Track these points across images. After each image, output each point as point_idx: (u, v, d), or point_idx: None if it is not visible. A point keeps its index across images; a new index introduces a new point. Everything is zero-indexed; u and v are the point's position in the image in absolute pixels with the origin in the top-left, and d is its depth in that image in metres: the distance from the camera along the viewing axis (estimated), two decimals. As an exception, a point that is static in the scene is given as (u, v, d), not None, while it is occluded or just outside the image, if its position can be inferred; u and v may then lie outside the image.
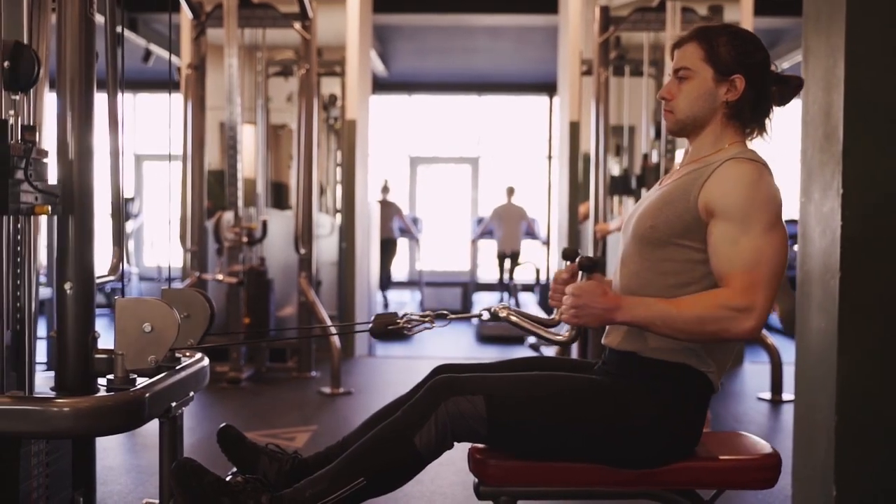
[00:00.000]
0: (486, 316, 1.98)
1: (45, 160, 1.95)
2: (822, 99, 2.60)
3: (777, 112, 2.00)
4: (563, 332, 1.98)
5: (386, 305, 10.84)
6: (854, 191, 2.47)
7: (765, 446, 2.00)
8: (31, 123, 1.99)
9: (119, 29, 2.22)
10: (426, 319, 2.00)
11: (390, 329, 1.98)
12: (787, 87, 1.97)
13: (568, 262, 2.03)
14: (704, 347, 1.89)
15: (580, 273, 1.90)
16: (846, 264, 2.47)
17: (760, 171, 1.87)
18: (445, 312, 2.01)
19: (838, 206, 2.48)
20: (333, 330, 5.64)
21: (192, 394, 2.09)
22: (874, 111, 2.48)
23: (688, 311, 1.79)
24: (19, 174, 1.81)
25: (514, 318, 1.96)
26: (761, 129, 1.98)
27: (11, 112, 1.88)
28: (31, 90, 1.97)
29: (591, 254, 5.92)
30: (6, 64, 1.84)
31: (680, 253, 1.89)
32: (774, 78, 1.96)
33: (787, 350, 5.69)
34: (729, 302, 1.78)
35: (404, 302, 11.07)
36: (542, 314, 2.01)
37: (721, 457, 1.93)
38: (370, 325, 1.98)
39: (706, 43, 1.93)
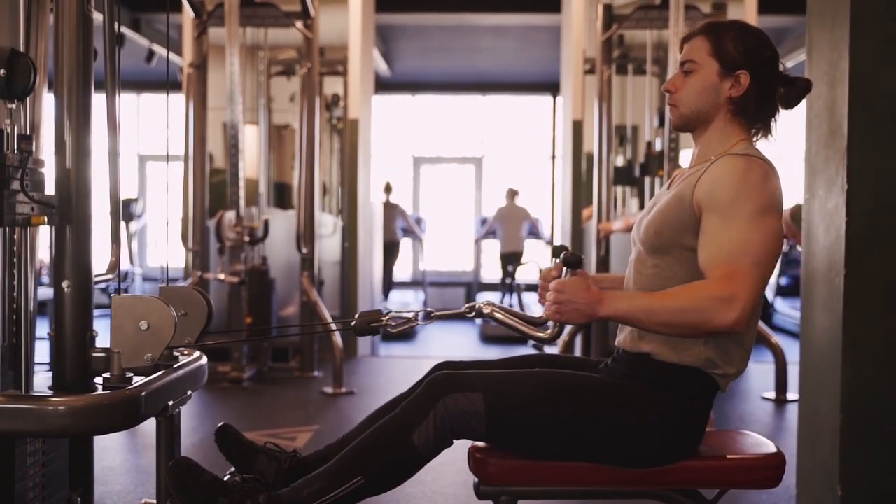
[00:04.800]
0: (470, 314, 1.95)
1: (41, 170, 1.94)
2: (826, 94, 2.57)
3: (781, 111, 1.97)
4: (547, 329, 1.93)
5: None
6: (859, 187, 2.44)
7: (769, 445, 1.97)
8: (28, 132, 1.97)
9: (118, 28, 2.20)
10: (410, 317, 1.97)
11: (373, 326, 1.95)
12: (794, 89, 1.94)
13: (556, 260, 2.00)
14: (725, 352, 1.85)
15: (564, 269, 1.85)
16: (851, 262, 2.44)
17: (751, 163, 1.82)
18: (430, 310, 1.98)
19: (843, 203, 2.46)
20: (333, 328, 5.60)
21: (189, 392, 2.07)
22: (879, 106, 2.45)
23: (670, 302, 1.75)
24: (15, 185, 1.80)
25: (498, 315, 1.92)
26: (766, 129, 1.94)
27: (7, 121, 1.86)
28: (28, 97, 1.94)
29: (595, 253, 5.91)
30: (2, 72, 1.81)
31: (688, 255, 1.85)
32: (782, 79, 1.92)
33: (792, 350, 5.66)
34: (710, 292, 1.73)
35: (408, 302, 11.05)
36: (540, 313, 1.95)
37: (725, 456, 1.91)
38: (353, 323, 1.96)
39: (714, 37, 1.91)
